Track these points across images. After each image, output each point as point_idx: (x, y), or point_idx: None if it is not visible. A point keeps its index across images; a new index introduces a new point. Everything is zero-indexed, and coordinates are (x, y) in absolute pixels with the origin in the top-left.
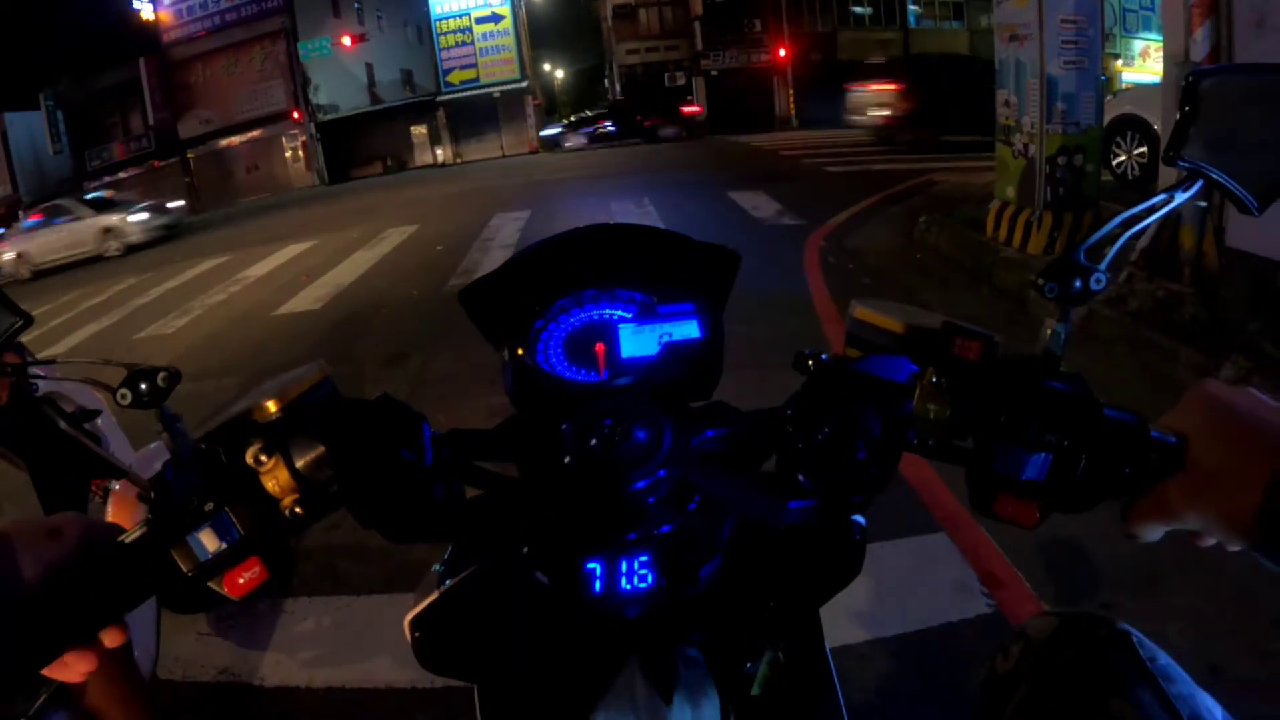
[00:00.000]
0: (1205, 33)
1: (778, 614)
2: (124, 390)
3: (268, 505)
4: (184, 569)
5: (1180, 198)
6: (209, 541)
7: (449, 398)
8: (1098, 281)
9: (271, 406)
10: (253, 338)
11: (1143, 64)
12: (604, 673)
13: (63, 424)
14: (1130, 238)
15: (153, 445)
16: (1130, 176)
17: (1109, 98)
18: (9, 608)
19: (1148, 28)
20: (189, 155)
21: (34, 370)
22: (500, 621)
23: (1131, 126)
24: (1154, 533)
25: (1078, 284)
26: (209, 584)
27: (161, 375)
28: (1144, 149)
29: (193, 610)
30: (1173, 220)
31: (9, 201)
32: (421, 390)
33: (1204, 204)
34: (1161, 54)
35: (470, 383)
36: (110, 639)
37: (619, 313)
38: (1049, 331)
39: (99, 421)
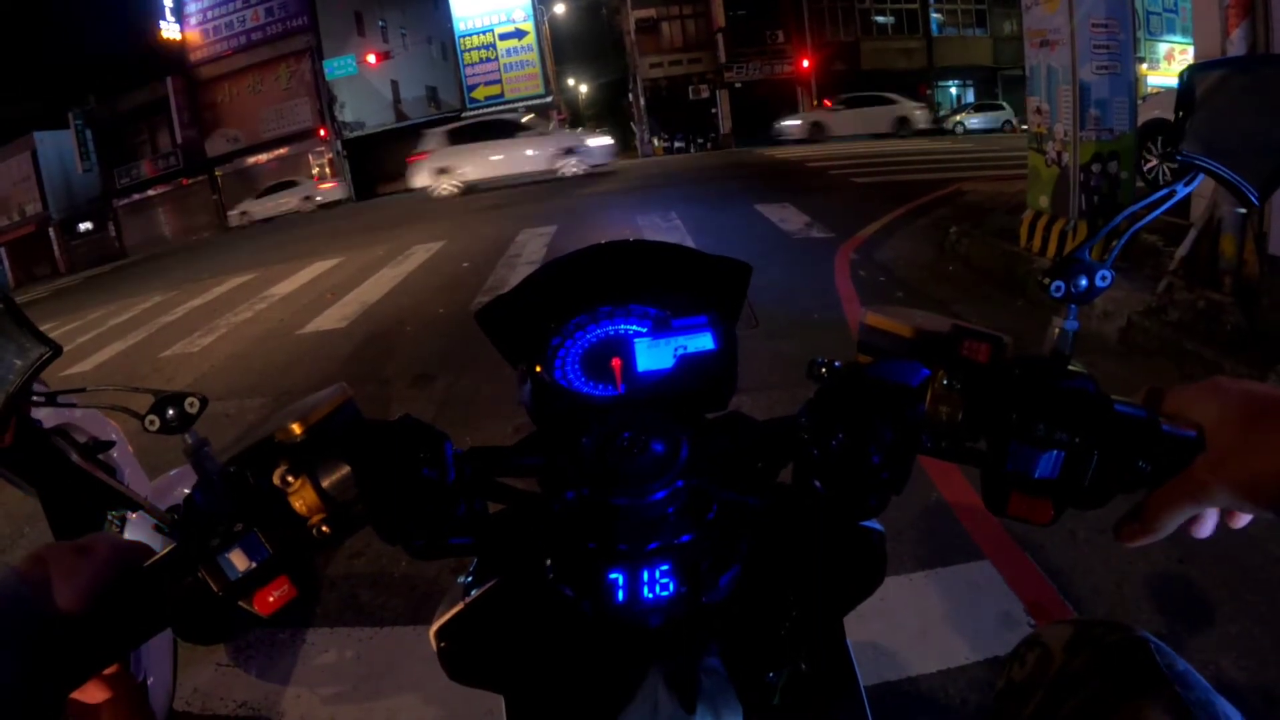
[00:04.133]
0: (1242, 34)
1: (799, 623)
2: (152, 416)
3: (295, 525)
4: (214, 588)
5: (1182, 191)
6: (239, 561)
7: (475, 418)
8: (1103, 279)
9: (296, 429)
10: (278, 357)
11: (1167, 67)
12: (627, 683)
13: (75, 457)
14: (1134, 232)
15: (171, 473)
16: (1162, 181)
17: (1139, 102)
18: (45, 628)
19: (1171, 30)
20: (216, 173)
21: (61, 399)
22: (526, 632)
23: (1162, 131)
24: (1174, 522)
25: (1084, 282)
26: (239, 603)
27: (188, 400)
28: None
29: (210, 641)
30: (1213, 228)
31: (39, 219)
32: (448, 411)
33: (1243, 210)
34: (1187, 57)
35: (497, 403)
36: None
37: (634, 327)
38: (1057, 330)
39: (113, 452)
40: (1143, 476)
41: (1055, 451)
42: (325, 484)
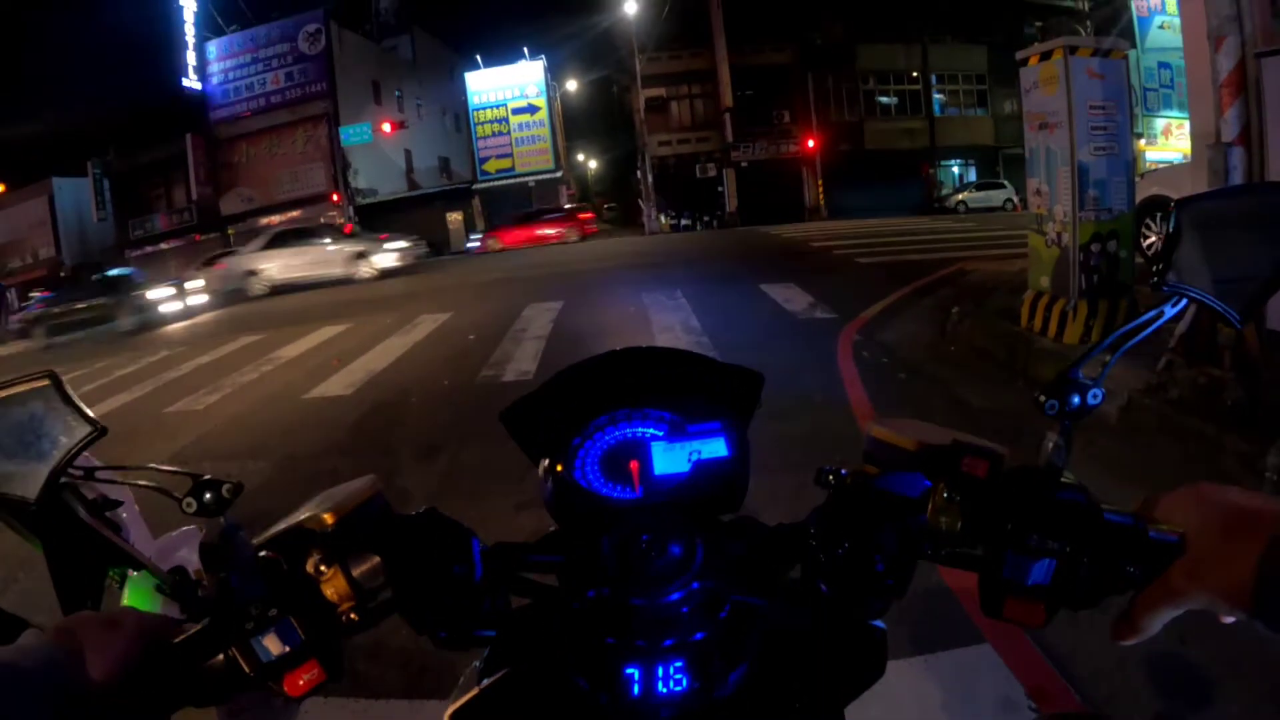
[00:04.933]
0: (1235, 112)
1: (804, 715)
2: (189, 499)
3: (326, 611)
4: (246, 669)
5: (1170, 312)
6: (272, 645)
7: (479, 491)
8: (1094, 397)
9: (328, 518)
10: (282, 420)
11: (1165, 142)
12: None
13: (82, 513)
14: (1126, 351)
15: (174, 534)
16: None
17: (1137, 179)
18: (73, 699)
19: (1168, 105)
20: (230, 231)
21: (100, 474)
22: None
23: (1160, 208)
24: (1159, 622)
25: (1076, 400)
26: (269, 684)
27: (226, 487)
28: None
29: (208, 703)
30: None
31: (51, 264)
32: (452, 484)
33: None
34: (1184, 131)
35: (500, 476)
36: None
37: (651, 431)
38: (1051, 445)
39: (120, 510)
40: (1132, 579)
41: (1048, 560)
42: (356, 574)
